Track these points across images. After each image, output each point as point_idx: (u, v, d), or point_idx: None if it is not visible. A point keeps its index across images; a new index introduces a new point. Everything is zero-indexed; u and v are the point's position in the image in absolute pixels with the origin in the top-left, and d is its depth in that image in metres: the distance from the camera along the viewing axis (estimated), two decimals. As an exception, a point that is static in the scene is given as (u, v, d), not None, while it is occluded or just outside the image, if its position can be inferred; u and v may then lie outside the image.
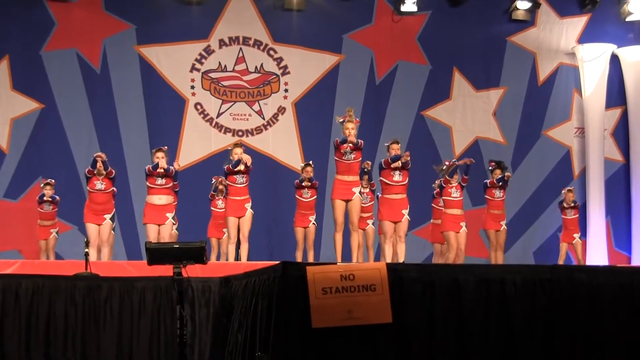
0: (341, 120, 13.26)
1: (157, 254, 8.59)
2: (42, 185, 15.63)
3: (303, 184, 14.51)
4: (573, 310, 6.92)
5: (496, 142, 19.13)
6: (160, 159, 13.48)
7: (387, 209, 13.63)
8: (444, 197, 14.53)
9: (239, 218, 13.62)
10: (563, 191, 16.74)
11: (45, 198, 15.42)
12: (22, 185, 17.58)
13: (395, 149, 13.60)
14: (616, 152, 19.63)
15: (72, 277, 9.76)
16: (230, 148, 14.11)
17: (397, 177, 13.55)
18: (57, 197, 15.55)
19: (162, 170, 13.39)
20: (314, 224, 14.64)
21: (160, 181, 13.59)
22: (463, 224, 14.53)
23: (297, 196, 14.55)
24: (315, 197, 14.73)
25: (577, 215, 16.58)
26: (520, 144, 19.20)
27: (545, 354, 6.83)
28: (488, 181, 15.05)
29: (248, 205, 13.68)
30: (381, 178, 13.70)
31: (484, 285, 6.85)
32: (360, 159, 13.31)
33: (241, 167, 13.54)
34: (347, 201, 13.13)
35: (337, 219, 13.20)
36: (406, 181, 13.61)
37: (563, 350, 6.85)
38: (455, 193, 14.44)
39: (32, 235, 17.14)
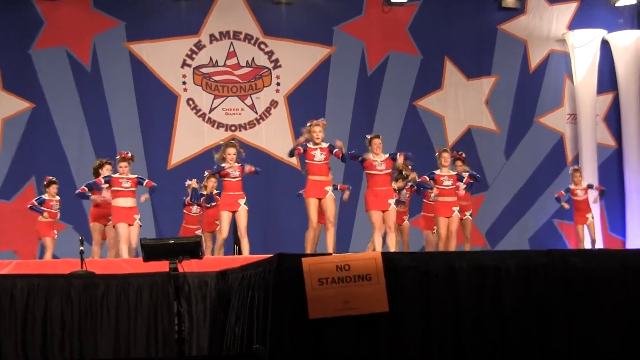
0: (307, 124, 13.30)
1: (153, 250, 8.60)
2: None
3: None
4: (568, 294, 6.94)
5: (489, 131, 19.15)
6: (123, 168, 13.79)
7: (373, 199, 13.44)
8: (436, 186, 14.44)
9: (233, 213, 13.60)
10: (570, 171, 16.65)
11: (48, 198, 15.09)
12: (15, 186, 17.55)
13: (377, 144, 13.43)
14: (609, 137, 19.67)
15: (68, 276, 9.77)
16: (221, 144, 13.95)
17: (380, 166, 13.36)
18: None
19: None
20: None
21: (125, 184, 13.77)
22: (456, 208, 14.45)
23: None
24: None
25: (587, 196, 16.44)
26: (513, 132, 19.21)
27: (540, 338, 6.86)
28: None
29: (242, 201, 13.65)
30: (366, 170, 13.49)
31: (479, 271, 6.88)
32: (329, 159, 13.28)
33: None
34: (319, 199, 13.17)
35: (310, 217, 13.24)
36: (389, 170, 13.48)
37: (559, 334, 6.88)
38: (447, 181, 14.42)
39: (27, 235, 17.11)
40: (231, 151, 13.58)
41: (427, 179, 14.37)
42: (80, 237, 11.47)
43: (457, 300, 6.79)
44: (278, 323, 6.52)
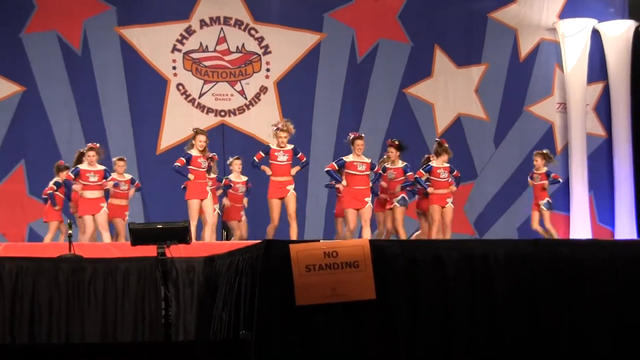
0: (275, 128, 13.80)
1: (141, 234, 8.58)
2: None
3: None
4: (557, 284, 6.94)
5: (478, 119, 19.13)
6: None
7: (349, 198, 14.00)
8: (431, 178, 14.49)
9: (202, 200, 13.88)
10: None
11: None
12: (5, 169, 17.50)
13: (359, 145, 13.93)
14: (598, 127, 19.67)
15: (56, 259, 9.75)
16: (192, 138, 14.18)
17: (360, 167, 13.92)
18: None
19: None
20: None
21: (92, 178, 13.94)
22: (450, 199, 14.58)
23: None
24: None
25: (545, 181, 15.79)
26: (503, 120, 19.19)
27: (530, 327, 6.86)
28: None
29: (208, 189, 14.00)
30: (346, 170, 13.97)
31: (467, 260, 6.87)
32: (292, 161, 13.81)
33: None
34: (282, 199, 13.81)
35: (273, 217, 13.80)
36: (369, 172, 14.01)
37: (549, 323, 6.88)
38: (443, 174, 14.49)
39: (16, 218, 17.12)
40: (202, 139, 13.92)
41: (424, 173, 14.42)
42: (68, 221, 11.47)
43: (445, 288, 6.79)
44: (265, 309, 6.51)
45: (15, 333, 9.17)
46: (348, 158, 13.96)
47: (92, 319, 9.29)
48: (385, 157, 15.08)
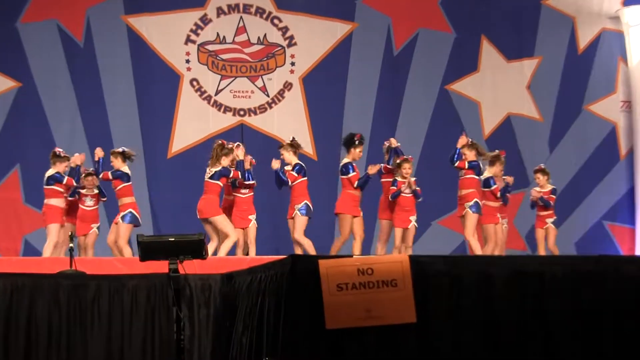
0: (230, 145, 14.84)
1: (151, 248, 8.62)
2: (82, 176, 15.38)
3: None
4: (621, 306, 6.91)
5: (531, 119, 19.09)
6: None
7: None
8: (484, 189, 15.04)
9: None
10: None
11: (84, 192, 15.17)
12: (-2, 173, 17.65)
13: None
14: (668, 128, 19.60)
15: (56, 276, 9.80)
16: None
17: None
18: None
19: None
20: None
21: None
22: (501, 216, 15.23)
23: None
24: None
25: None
26: (559, 121, 19.14)
27: (588, 354, 6.83)
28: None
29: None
30: (383, 180, 15.09)
31: (519, 279, 6.86)
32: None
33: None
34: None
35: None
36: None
37: (611, 350, 6.85)
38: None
39: (11, 229, 17.22)
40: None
41: None
42: (70, 233, 11.52)
43: (493, 311, 6.77)
44: (291, 333, 6.52)
45: (11, 357, 9.23)
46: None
47: (96, 343, 9.34)
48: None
